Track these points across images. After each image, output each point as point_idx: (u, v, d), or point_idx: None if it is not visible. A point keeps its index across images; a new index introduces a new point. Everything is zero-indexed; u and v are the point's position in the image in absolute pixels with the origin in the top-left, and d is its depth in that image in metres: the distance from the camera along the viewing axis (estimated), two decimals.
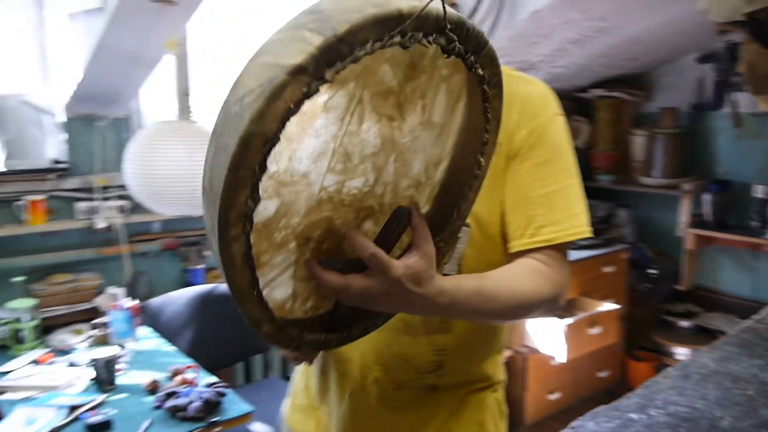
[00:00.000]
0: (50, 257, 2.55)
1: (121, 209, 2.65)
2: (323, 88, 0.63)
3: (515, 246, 0.96)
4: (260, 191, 0.66)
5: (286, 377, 2.85)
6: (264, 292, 0.74)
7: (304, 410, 1.22)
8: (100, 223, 2.59)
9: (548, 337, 3.01)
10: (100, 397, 1.89)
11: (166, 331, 2.53)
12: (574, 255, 3.28)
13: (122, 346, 2.29)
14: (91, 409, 1.82)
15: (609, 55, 3.12)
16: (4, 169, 2.47)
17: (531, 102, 0.98)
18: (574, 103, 3.80)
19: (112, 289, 2.50)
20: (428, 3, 0.62)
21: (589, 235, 0.96)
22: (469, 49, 0.70)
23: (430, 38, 0.65)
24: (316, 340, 0.79)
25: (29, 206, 2.42)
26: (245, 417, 1.87)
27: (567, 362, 3.08)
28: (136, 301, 2.45)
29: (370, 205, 0.79)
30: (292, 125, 0.65)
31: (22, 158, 2.53)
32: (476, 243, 0.99)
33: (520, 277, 0.91)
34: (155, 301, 2.61)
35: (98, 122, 2.65)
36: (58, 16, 2.58)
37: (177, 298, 2.64)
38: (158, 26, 2.18)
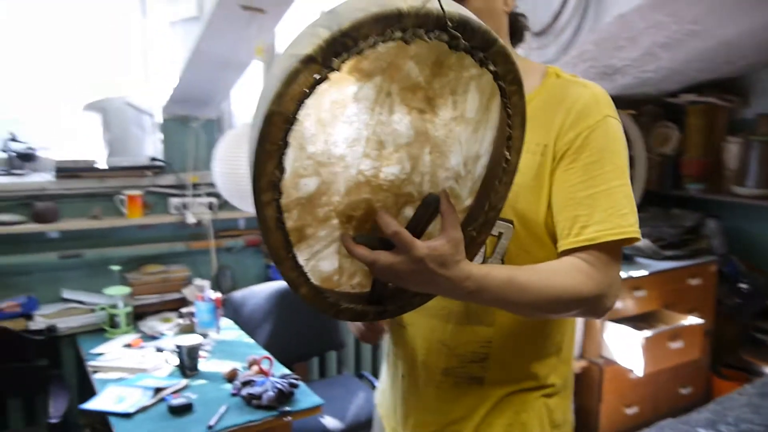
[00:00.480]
0: (145, 248, 2.73)
1: (210, 206, 2.80)
2: (351, 80, 0.75)
3: (561, 246, 0.97)
4: (302, 169, 0.78)
5: (359, 374, 2.92)
6: (311, 263, 0.85)
7: (386, 393, 1.28)
8: (191, 219, 2.74)
9: (626, 349, 2.93)
10: (183, 382, 2.02)
11: (247, 324, 2.65)
12: (658, 265, 3.18)
13: (205, 336, 2.43)
14: (175, 392, 1.95)
15: (701, 59, 3.00)
16: (106, 166, 2.65)
17: (579, 104, 0.99)
18: (664, 108, 3.67)
19: (199, 281, 2.65)
20: (425, 2, 0.70)
21: (636, 236, 0.94)
22: (476, 46, 0.76)
23: (432, 34, 0.72)
24: (352, 309, 0.87)
25: (127, 200, 2.60)
26: (315, 409, 1.94)
27: (646, 376, 2.98)
28: (220, 294, 2.59)
29: (409, 192, 0.86)
30: (325, 111, 0.76)
31: (124, 155, 2.72)
32: (521, 240, 1.01)
33: (557, 272, 0.91)
34: (238, 295, 2.74)
35: (192, 123, 2.81)
36: (159, 25, 2.76)
37: (258, 293, 2.76)
38: (248, 33, 2.29)
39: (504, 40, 1.08)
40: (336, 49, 0.68)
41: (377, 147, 0.82)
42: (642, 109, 3.61)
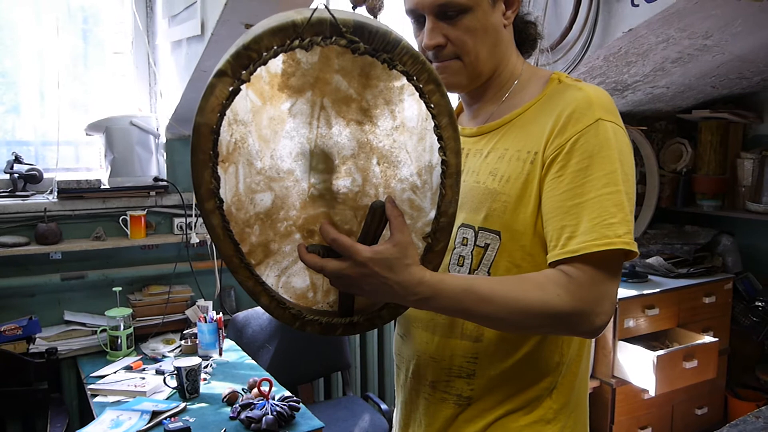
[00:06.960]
0: (148, 269, 2.70)
1: None
2: (283, 96, 0.81)
3: (548, 258, 0.92)
4: (255, 184, 0.83)
5: (365, 396, 2.87)
6: (282, 279, 0.88)
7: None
8: (195, 239, 2.72)
9: (639, 368, 2.86)
10: (182, 405, 1.98)
11: (250, 345, 2.61)
12: (672, 283, 3.11)
13: (207, 357, 2.39)
14: (173, 415, 1.91)
15: (714, 74, 2.95)
16: (109, 187, 2.63)
17: (570, 108, 0.93)
18: (676, 124, 3.62)
19: (202, 302, 2.61)
20: (312, 13, 0.75)
21: (627, 248, 0.87)
22: (378, 48, 0.78)
23: (329, 41, 0.77)
24: (318, 321, 0.89)
25: (130, 221, 2.58)
26: None
27: (660, 396, 2.91)
28: (223, 315, 2.55)
29: (367, 204, 0.87)
30: (265, 128, 0.82)
31: (128, 176, 2.70)
32: (509, 253, 0.97)
33: (526, 283, 0.87)
34: (241, 316, 2.70)
35: None
36: (164, 45, 2.75)
37: (262, 314, 2.72)
38: None
39: (509, 52, 1.06)
40: (242, 62, 0.75)
41: (323, 160, 0.85)
42: (654, 125, 3.55)
